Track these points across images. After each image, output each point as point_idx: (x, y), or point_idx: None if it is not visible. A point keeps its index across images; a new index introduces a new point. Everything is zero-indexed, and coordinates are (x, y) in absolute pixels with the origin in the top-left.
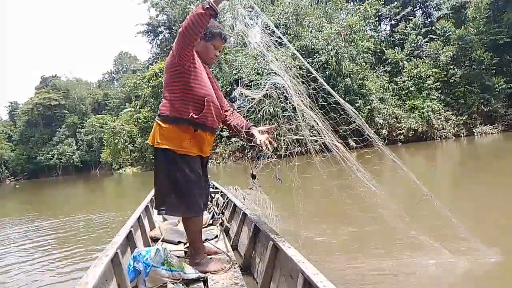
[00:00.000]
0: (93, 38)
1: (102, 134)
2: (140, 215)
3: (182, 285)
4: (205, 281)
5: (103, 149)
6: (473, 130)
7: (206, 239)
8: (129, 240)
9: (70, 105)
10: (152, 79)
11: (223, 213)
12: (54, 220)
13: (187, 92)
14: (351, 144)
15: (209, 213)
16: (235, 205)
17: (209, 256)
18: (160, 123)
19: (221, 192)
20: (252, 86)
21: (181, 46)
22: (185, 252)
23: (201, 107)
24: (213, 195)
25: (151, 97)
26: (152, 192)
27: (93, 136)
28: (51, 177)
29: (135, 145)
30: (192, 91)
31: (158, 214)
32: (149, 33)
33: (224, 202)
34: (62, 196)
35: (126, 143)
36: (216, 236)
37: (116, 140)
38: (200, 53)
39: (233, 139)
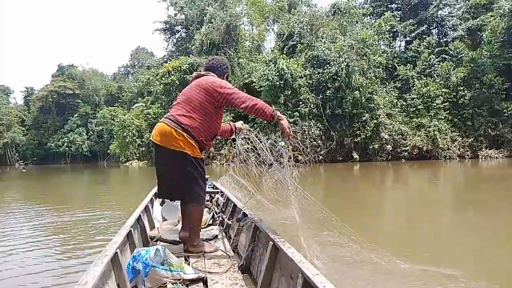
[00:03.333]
0: (112, 31)
1: (113, 126)
2: (139, 215)
3: (182, 285)
4: (204, 281)
5: (112, 141)
6: (478, 153)
7: (206, 239)
8: (129, 239)
9: (84, 95)
10: (165, 76)
11: (223, 213)
12: (55, 211)
13: (212, 124)
14: (354, 157)
15: (209, 213)
16: (235, 205)
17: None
18: (185, 135)
19: (221, 192)
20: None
21: (234, 105)
22: (184, 252)
23: (213, 139)
24: (213, 195)
25: (162, 94)
26: (152, 191)
27: (104, 128)
28: (60, 164)
29: (143, 140)
30: (216, 125)
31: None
32: (166, 31)
33: (223, 202)
34: (67, 185)
35: (134, 137)
36: (216, 236)
37: (125, 134)
38: None
39: (238, 142)
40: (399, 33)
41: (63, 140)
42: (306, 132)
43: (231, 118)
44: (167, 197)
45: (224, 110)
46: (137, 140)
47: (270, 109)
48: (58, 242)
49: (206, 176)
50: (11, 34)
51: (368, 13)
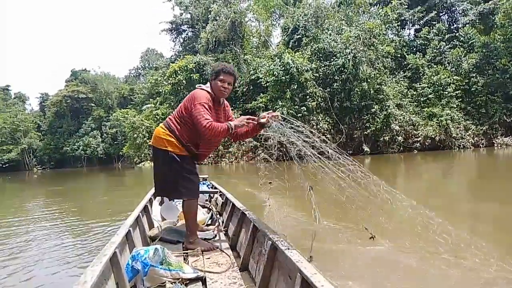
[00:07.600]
0: (123, 34)
1: (125, 128)
2: (139, 215)
3: (181, 284)
4: (203, 281)
5: (126, 143)
6: (493, 141)
7: (205, 239)
8: (128, 239)
9: (97, 98)
10: (172, 76)
11: (222, 213)
12: (62, 213)
13: (192, 130)
14: (365, 150)
15: (208, 213)
16: (233, 205)
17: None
18: (170, 136)
19: (220, 192)
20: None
21: (198, 129)
22: (184, 250)
23: (199, 145)
24: (212, 195)
25: (170, 94)
26: (151, 192)
27: (117, 130)
28: (76, 167)
29: None
30: (196, 132)
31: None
32: (173, 31)
33: (222, 202)
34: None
35: (145, 138)
36: (215, 236)
37: (135, 135)
38: (213, 90)
39: (246, 140)
40: (408, 21)
41: (78, 143)
42: (315, 126)
43: (238, 116)
44: (161, 194)
45: (232, 108)
46: (147, 141)
47: (224, 126)
48: (58, 240)
49: (205, 176)
50: (26, 42)
51: (375, 2)
